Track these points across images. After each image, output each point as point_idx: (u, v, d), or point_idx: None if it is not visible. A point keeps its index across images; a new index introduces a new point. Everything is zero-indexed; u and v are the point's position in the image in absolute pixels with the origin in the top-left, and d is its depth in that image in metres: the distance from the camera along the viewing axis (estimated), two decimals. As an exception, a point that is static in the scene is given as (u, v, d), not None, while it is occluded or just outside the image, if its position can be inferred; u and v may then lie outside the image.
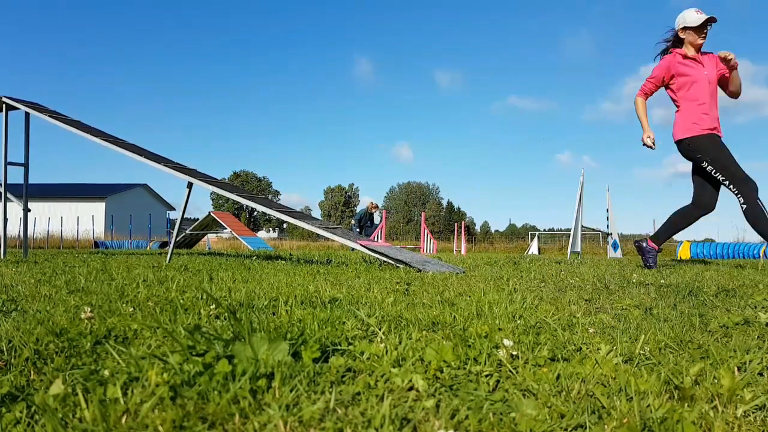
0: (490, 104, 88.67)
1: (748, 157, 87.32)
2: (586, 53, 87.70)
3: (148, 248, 17.06)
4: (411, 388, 0.96)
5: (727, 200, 3.89)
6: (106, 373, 0.98)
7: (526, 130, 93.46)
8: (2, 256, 5.68)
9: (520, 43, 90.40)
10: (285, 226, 61.81)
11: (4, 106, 5.87)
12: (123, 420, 0.81)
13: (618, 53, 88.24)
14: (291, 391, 0.91)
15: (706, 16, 4.24)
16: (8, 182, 5.80)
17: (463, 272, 3.92)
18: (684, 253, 13.25)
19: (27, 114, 5.90)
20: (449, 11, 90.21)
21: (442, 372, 1.05)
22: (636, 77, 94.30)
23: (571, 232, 9.24)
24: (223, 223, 19.60)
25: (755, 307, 2.03)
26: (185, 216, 5.69)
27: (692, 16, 4.28)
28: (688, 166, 4.53)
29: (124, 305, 1.82)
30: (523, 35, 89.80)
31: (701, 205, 4.45)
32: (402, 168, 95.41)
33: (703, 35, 4.27)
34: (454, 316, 1.65)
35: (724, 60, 4.22)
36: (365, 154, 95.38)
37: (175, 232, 5.87)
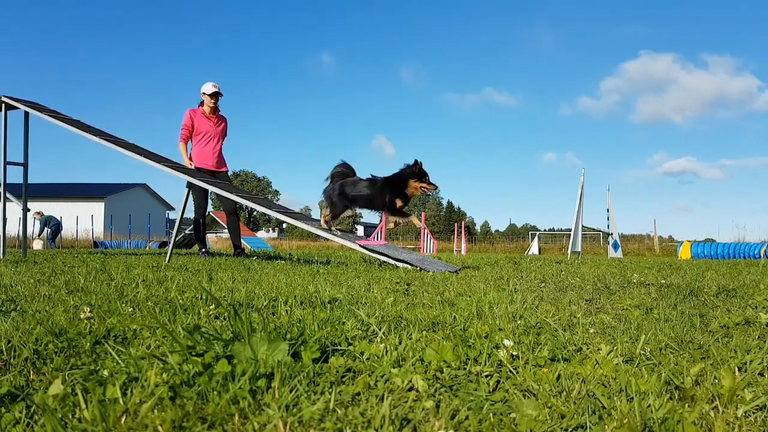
0: (464, 99, 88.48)
1: (737, 153, 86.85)
2: (554, 49, 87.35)
3: (147, 248, 17.06)
4: (411, 389, 0.96)
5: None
6: (106, 373, 0.98)
7: (504, 126, 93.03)
8: (1, 256, 5.67)
9: (485, 41, 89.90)
10: (285, 226, 61.77)
11: (3, 105, 5.87)
12: (122, 420, 0.81)
13: (589, 49, 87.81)
14: (291, 391, 0.90)
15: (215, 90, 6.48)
16: (7, 182, 5.79)
17: (459, 270, 3.92)
18: (684, 253, 13.26)
19: (26, 113, 5.90)
20: (409, 10, 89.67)
21: (442, 372, 1.05)
22: (613, 73, 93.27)
23: (572, 232, 9.24)
24: (223, 223, 19.58)
25: (756, 307, 2.03)
26: (184, 216, 5.69)
27: (206, 86, 6.51)
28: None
29: (123, 305, 1.82)
30: (487, 33, 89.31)
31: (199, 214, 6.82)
32: (387, 161, 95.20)
33: (213, 101, 6.48)
34: (455, 317, 1.65)
35: None
36: (348, 149, 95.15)
37: (174, 232, 5.86)
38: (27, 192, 5.98)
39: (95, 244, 20.45)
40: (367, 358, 1.13)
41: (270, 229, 67.46)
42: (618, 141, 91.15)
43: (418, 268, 4.07)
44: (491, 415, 0.85)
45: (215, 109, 6.54)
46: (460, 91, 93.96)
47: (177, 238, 8.58)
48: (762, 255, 11.63)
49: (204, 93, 6.47)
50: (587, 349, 1.26)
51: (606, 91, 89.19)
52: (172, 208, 40.88)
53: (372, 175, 4.58)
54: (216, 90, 6.48)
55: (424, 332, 1.39)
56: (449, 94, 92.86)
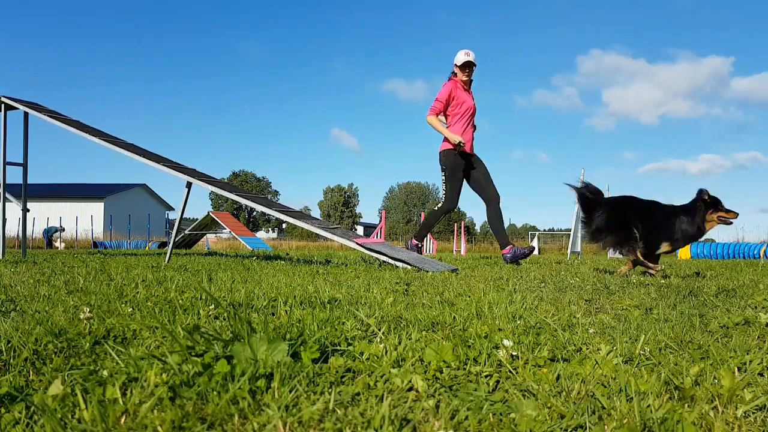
0: (412, 87, 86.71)
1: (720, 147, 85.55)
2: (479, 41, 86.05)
3: (147, 248, 17.06)
4: (411, 389, 0.96)
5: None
6: (105, 373, 0.98)
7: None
8: (1, 256, 5.67)
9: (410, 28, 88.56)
10: (284, 226, 61.69)
11: (2, 105, 5.86)
12: (122, 420, 0.81)
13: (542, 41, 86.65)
14: (290, 391, 0.90)
15: (467, 59, 5.36)
16: (7, 182, 5.79)
17: (457, 270, 3.92)
18: (684, 253, 13.26)
19: (26, 114, 5.89)
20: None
21: (441, 372, 1.05)
22: (568, 67, 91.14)
23: (571, 232, 9.24)
24: (222, 224, 19.59)
25: (755, 307, 2.03)
26: (184, 216, 5.69)
27: (459, 56, 5.43)
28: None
29: (123, 305, 1.82)
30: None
31: (449, 207, 5.55)
32: (349, 153, 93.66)
33: (467, 73, 5.42)
34: (454, 317, 1.65)
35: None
36: (310, 144, 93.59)
37: (173, 232, 5.86)
38: (26, 192, 5.97)
39: (95, 245, 20.46)
40: (367, 359, 1.13)
41: (269, 229, 67.44)
42: (590, 138, 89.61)
43: (417, 268, 4.07)
44: (491, 415, 0.85)
45: (469, 83, 5.53)
46: (405, 77, 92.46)
47: (177, 239, 8.58)
48: (762, 255, 11.63)
49: (455, 65, 5.43)
50: (587, 349, 1.26)
51: (562, 85, 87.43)
52: (171, 209, 40.90)
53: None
54: (469, 60, 5.35)
55: (423, 332, 1.39)
56: (394, 82, 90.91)
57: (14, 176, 6.08)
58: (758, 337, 1.46)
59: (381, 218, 16.31)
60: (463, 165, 5.41)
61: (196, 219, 20.90)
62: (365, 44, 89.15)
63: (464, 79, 5.37)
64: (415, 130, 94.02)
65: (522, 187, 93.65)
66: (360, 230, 61.32)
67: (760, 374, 1.09)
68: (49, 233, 20.57)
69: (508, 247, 5.37)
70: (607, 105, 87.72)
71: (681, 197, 4.67)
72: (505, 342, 1.18)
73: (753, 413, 0.89)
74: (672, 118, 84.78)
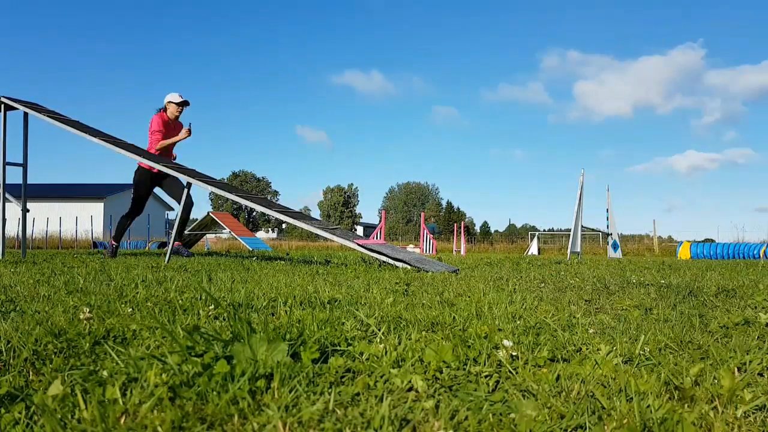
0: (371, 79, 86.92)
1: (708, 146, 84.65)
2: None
3: (146, 248, 17.05)
4: (410, 389, 0.96)
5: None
6: (105, 373, 0.98)
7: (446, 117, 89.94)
8: (1, 256, 5.67)
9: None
10: (284, 226, 61.61)
11: (2, 106, 5.86)
12: (122, 420, 0.81)
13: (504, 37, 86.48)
14: (290, 391, 0.90)
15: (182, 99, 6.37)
16: (7, 182, 5.79)
17: (458, 270, 3.92)
18: (684, 253, 13.27)
19: (25, 114, 5.89)
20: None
21: (441, 372, 1.05)
22: (530, 63, 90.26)
23: (571, 233, 9.24)
24: (222, 224, 19.58)
25: (755, 307, 2.03)
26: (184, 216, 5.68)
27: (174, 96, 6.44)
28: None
29: (122, 306, 1.82)
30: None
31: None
32: (321, 149, 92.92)
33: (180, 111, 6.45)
34: (454, 317, 1.65)
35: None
36: (277, 143, 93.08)
37: (173, 232, 5.86)
38: (26, 192, 5.97)
39: (95, 245, 20.43)
40: (367, 359, 1.13)
41: (269, 229, 67.42)
42: (564, 135, 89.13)
43: (417, 269, 4.07)
44: (491, 415, 0.85)
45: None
46: (360, 68, 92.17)
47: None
48: (761, 255, 11.64)
49: (171, 102, 6.41)
50: (587, 349, 1.26)
51: (526, 80, 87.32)
52: (171, 209, 40.86)
53: None
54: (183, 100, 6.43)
55: (423, 332, 1.39)
56: (349, 73, 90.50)
57: (14, 176, 6.08)
58: (758, 337, 1.46)
59: (381, 218, 16.34)
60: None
61: (196, 219, 20.88)
62: (309, 38, 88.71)
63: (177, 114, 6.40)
64: (384, 123, 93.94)
65: (507, 186, 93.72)
66: (360, 230, 61.31)
67: (760, 374, 1.09)
68: None
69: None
70: (576, 99, 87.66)
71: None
72: (505, 342, 1.18)
73: (753, 413, 0.89)
74: (649, 113, 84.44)
